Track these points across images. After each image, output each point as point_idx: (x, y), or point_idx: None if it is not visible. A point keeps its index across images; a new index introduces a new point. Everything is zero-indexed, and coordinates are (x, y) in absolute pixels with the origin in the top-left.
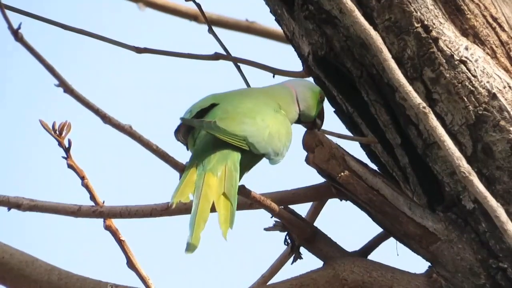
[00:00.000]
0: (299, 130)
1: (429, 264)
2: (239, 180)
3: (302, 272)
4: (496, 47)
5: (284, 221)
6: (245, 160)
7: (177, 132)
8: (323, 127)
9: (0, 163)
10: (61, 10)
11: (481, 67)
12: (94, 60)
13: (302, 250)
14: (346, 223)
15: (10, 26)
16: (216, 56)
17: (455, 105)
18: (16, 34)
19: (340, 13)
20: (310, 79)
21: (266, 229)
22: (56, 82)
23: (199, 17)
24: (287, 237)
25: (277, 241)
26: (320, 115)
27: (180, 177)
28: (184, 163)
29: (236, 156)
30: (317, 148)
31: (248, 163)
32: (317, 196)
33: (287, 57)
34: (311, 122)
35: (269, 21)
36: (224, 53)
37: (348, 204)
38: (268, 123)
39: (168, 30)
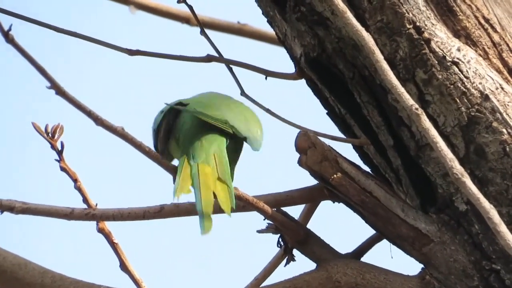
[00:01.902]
0: (292, 132)
1: (422, 266)
2: (232, 178)
3: (295, 274)
4: (488, 48)
5: (277, 223)
6: (230, 149)
7: (156, 145)
8: (316, 129)
9: None
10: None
11: (474, 68)
12: (86, 62)
13: (295, 252)
14: (339, 225)
15: (0, 28)
16: (208, 58)
17: (448, 107)
18: (7, 35)
19: (332, 14)
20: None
21: (258, 231)
22: (48, 84)
23: (191, 19)
24: (280, 239)
25: (270, 244)
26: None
27: (173, 180)
28: (176, 165)
29: (222, 142)
30: (309, 150)
31: (233, 152)
32: (309, 198)
33: (279, 59)
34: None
35: (261, 23)
36: (217, 55)
37: (341, 206)
38: (241, 110)
39: (160, 32)
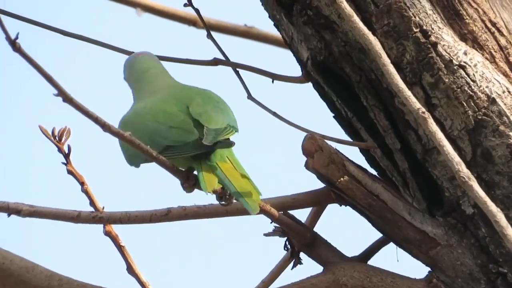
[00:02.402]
0: (299, 136)
1: (429, 269)
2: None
3: (302, 278)
4: (495, 51)
5: (284, 227)
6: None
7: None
8: (323, 133)
9: (0, 169)
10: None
11: (480, 72)
12: (93, 65)
13: (302, 255)
14: (345, 228)
15: (7, 37)
16: (215, 62)
17: (455, 110)
18: (14, 44)
19: (339, 18)
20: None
21: (265, 235)
22: (55, 91)
23: (197, 22)
24: (287, 243)
25: (277, 247)
26: None
27: (181, 184)
28: (183, 169)
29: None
30: (316, 153)
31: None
32: (316, 201)
33: (286, 62)
34: None
35: (267, 26)
36: (223, 58)
37: (347, 209)
38: (217, 100)
39: (166, 35)
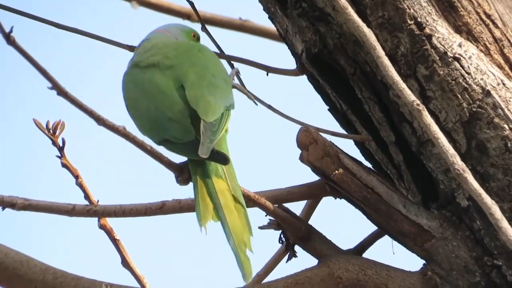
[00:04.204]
0: (294, 128)
1: (424, 261)
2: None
3: (297, 271)
4: (490, 44)
5: (279, 220)
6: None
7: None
8: (318, 125)
9: None
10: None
11: (475, 64)
12: (87, 58)
13: (297, 248)
14: (340, 221)
15: (2, 30)
16: None
17: (449, 102)
18: (8, 37)
19: (333, 10)
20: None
21: (260, 228)
22: (50, 84)
23: (192, 15)
24: (282, 236)
25: (272, 240)
26: None
27: (176, 177)
28: (177, 162)
29: (224, 139)
30: (311, 146)
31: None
32: (311, 194)
33: (280, 55)
34: None
35: (262, 19)
36: (218, 51)
37: (342, 202)
38: (213, 72)
39: None
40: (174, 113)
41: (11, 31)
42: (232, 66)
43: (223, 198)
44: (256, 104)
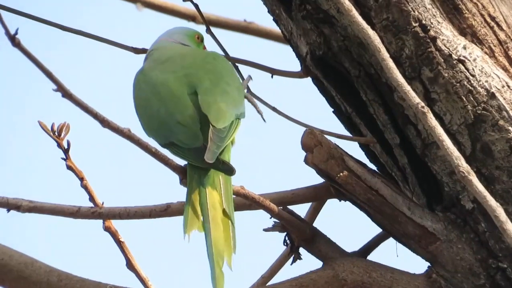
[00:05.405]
0: (299, 131)
1: (428, 264)
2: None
3: (301, 273)
4: (494, 46)
5: (283, 222)
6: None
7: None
8: (322, 128)
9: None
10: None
11: (480, 67)
12: (92, 60)
13: (302, 250)
14: (345, 224)
15: (7, 32)
16: None
17: (454, 105)
18: (13, 39)
19: (338, 12)
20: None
21: (265, 230)
22: (54, 86)
23: (197, 17)
24: (286, 238)
25: (277, 242)
26: None
27: (180, 179)
28: (182, 165)
29: (227, 150)
30: (315, 148)
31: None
32: (316, 196)
33: (285, 57)
34: None
35: (267, 21)
36: (222, 53)
37: (347, 205)
38: (227, 80)
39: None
40: (184, 117)
41: (16, 33)
42: (236, 68)
43: (213, 211)
44: (265, 121)
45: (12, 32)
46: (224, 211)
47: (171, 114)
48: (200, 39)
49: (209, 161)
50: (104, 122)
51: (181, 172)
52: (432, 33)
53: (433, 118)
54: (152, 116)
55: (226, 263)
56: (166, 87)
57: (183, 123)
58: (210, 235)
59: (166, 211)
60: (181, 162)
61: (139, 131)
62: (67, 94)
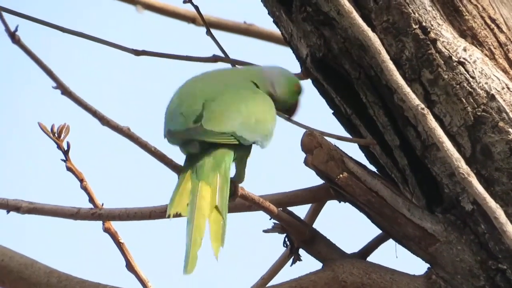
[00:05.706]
0: (298, 132)
1: (428, 265)
2: (243, 178)
3: (301, 274)
4: (495, 48)
5: (283, 223)
6: (239, 155)
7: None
8: (322, 129)
9: None
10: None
11: (480, 68)
12: (92, 62)
13: (301, 252)
14: (345, 225)
15: (7, 29)
16: (214, 59)
17: (454, 107)
18: (13, 36)
19: (338, 14)
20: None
21: (265, 231)
22: (54, 84)
23: (197, 19)
24: (286, 239)
25: (276, 243)
26: (293, 105)
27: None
28: (182, 164)
29: (229, 158)
30: (315, 149)
31: (242, 157)
32: (315, 198)
33: (285, 59)
34: (283, 110)
35: (267, 23)
36: (222, 55)
37: (347, 206)
38: (252, 109)
39: (166, 32)
40: (187, 110)
41: (16, 29)
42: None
43: (202, 201)
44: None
45: (12, 29)
46: (216, 208)
47: (179, 106)
48: (298, 90)
49: (169, 136)
50: (103, 120)
51: (180, 171)
52: (432, 35)
53: (433, 119)
54: (168, 109)
55: (214, 255)
56: (192, 88)
57: (184, 114)
58: (193, 221)
59: (166, 212)
60: (181, 162)
61: (138, 130)
62: (66, 92)
